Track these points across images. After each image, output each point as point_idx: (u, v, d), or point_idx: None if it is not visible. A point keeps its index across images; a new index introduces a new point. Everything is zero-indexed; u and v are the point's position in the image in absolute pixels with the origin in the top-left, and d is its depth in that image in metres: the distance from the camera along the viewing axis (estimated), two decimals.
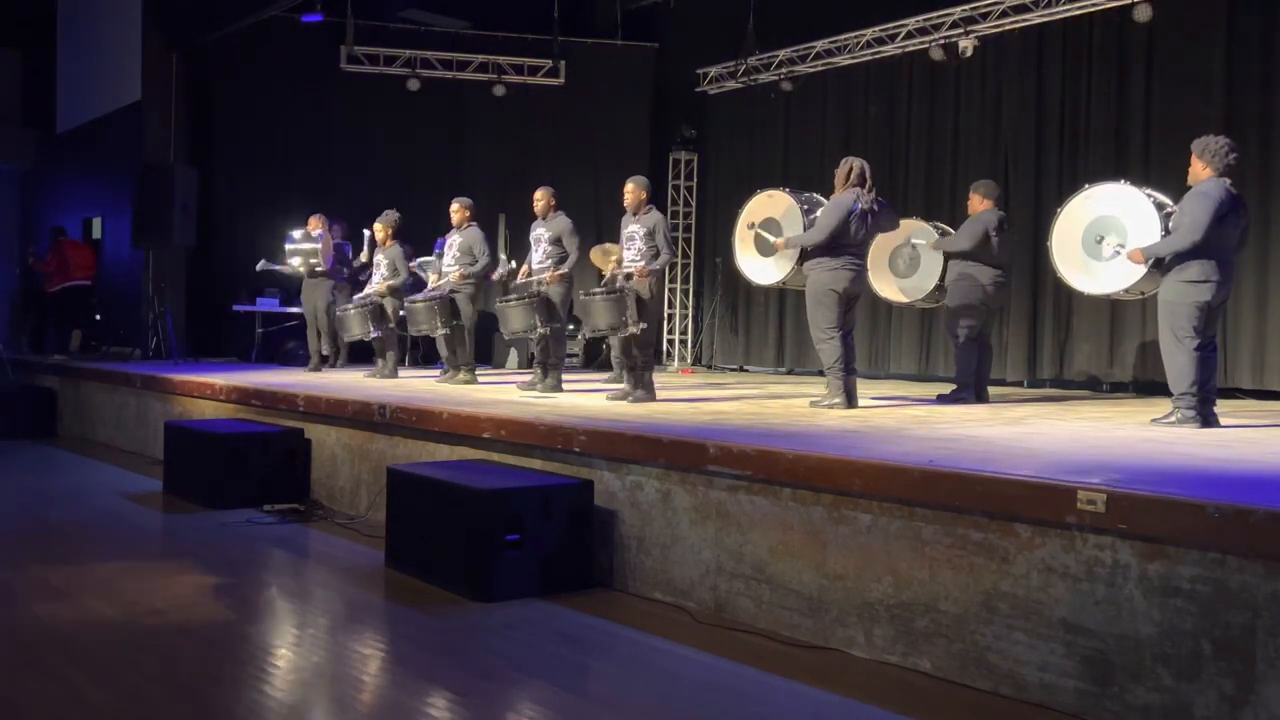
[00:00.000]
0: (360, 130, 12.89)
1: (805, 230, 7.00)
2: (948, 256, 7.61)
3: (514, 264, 8.71)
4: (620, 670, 4.09)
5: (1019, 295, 9.58)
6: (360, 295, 9.66)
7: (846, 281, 6.66)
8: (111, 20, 14.21)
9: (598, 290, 7.11)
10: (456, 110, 13.25)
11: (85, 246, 14.43)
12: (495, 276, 9.06)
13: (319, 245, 10.22)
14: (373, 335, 9.34)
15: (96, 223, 15.38)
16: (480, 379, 9.06)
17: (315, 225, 10.44)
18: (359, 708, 3.59)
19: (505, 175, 12.79)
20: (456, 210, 8.84)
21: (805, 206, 7.24)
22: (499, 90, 13.05)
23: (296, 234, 10.34)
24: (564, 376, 8.25)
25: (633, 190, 7.28)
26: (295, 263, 10.27)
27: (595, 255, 10.60)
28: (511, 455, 5.77)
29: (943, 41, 10.47)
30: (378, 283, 9.51)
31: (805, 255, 6.89)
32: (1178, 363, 5.80)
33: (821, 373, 7.13)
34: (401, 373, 9.79)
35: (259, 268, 10.65)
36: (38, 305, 14.19)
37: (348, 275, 10.61)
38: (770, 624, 4.41)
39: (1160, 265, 5.91)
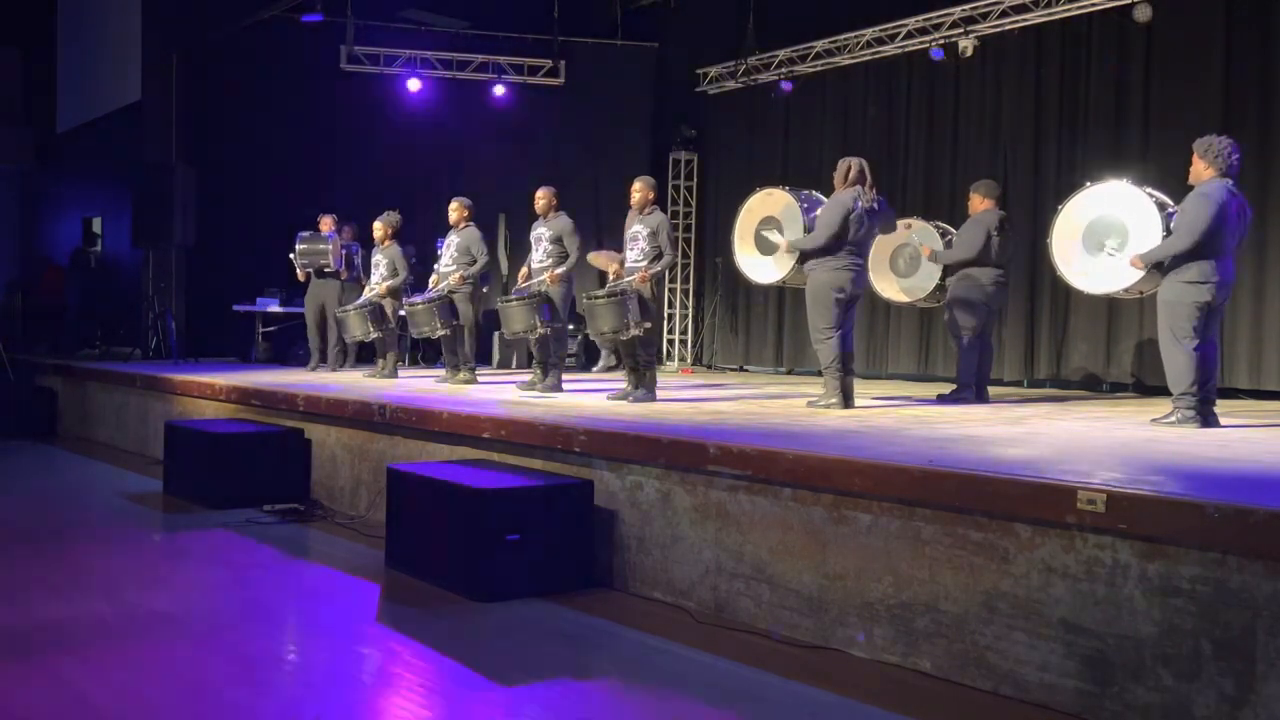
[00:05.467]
0: (360, 130, 12.88)
1: (805, 233, 7.00)
2: (950, 267, 7.59)
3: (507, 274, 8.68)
4: (620, 670, 4.09)
5: (1017, 294, 9.57)
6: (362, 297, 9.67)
7: (847, 282, 6.66)
8: (111, 20, 14.22)
9: (600, 293, 7.11)
10: (456, 110, 13.25)
11: (54, 269, 15.61)
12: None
13: (329, 245, 10.21)
14: (372, 336, 9.34)
15: (96, 223, 15.39)
16: (480, 379, 9.06)
17: (326, 225, 10.43)
18: (359, 708, 3.59)
19: (505, 175, 12.78)
20: (455, 209, 8.85)
21: (804, 205, 7.24)
22: (499, 90, 13.05)
23: (305, 234, 10.33)
24: (564, 376, 8.25)
25: (640, 189, 7.29)
26: (303, 264, 10.24)
27: (594, 259, 10.58)
28: (511, 455, 5.77)
29: (943, 41, 10.47)
30: (377, 283, 9.52)
31: (806, 254, 6.88)
32: (1178, 363, 5.80)
33: (820, 373, 7.13)
34: (402, 373, 9.79)
35: (291, 255, 10.43)
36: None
37: (355, 276, 10.59)
38: (770, 624, 4.41)
39: (1160, 266, 5.91)
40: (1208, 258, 5.69)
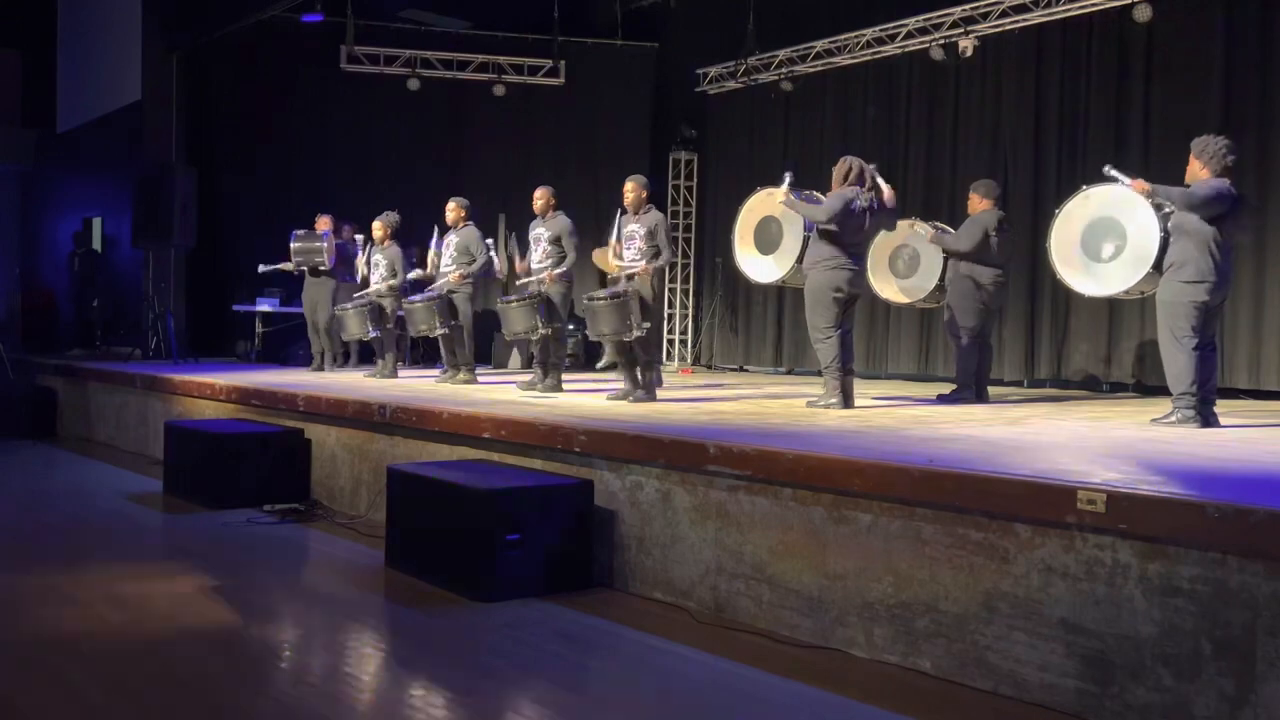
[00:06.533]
0: (360, 130, 12.88)
1: (805, 232, 7.00)
2: (946, 254, 7.61)
3: (513, 256, 8.73)
4: (620, 670, 4.09)
5: (1017, 295, 9.58)
6: (359, 295, 9.67)
7: (845, 282, 6.66)
8: (111, 20, 14.21)
9: (601, 295, 7.11)
10: (456, 110, 13.25)
11: (43, 293, 15.99)
12: (499, 273, 9.06)
13: (324, 244, 10.22)
14: (371, 335, 9.35)
15: (96, 223, 15.39)
16: (480, 379, 9.06)
17: (323, 224, 10.45)
18: (359, 708, 3.59)
19: (505, 175, 12.79)
20: (452, 210, 8.85)
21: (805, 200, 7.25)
22: (499, 90, 13.05)
23: (300, 232, 10.34)
24: (564, 376, 8.25)
25: (633, 189, 7.28)
26: (297, 261, 10.27)
27: (598, 257, 10.58)
28: (511, 455, 5.77)
29: (943, 41, 10.47)
30: (377, 283, 9.52)
31: (806, 254, 6.88)
32: (1177, 363, 5.80)
33: (820, 373, 7.13)
34: (401, 373, 9.79)
35: (261, 270, 10.61)
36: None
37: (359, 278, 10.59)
38: (770, 624, 4.41)
39: (1159, 266, 5.91)
40: (1207, 258, 5.70)
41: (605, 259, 9.56)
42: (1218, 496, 3.31)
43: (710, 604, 4.66)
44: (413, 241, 10.26)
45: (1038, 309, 9.85)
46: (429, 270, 9.04)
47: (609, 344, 7.28)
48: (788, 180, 7.09)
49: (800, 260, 6.94)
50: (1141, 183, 6.03)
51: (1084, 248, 6.52)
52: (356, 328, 9.38)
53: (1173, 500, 3.34)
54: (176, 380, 8.97)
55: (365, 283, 9.85)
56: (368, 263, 9.96)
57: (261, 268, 10.50)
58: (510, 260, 9.18)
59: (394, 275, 9.46)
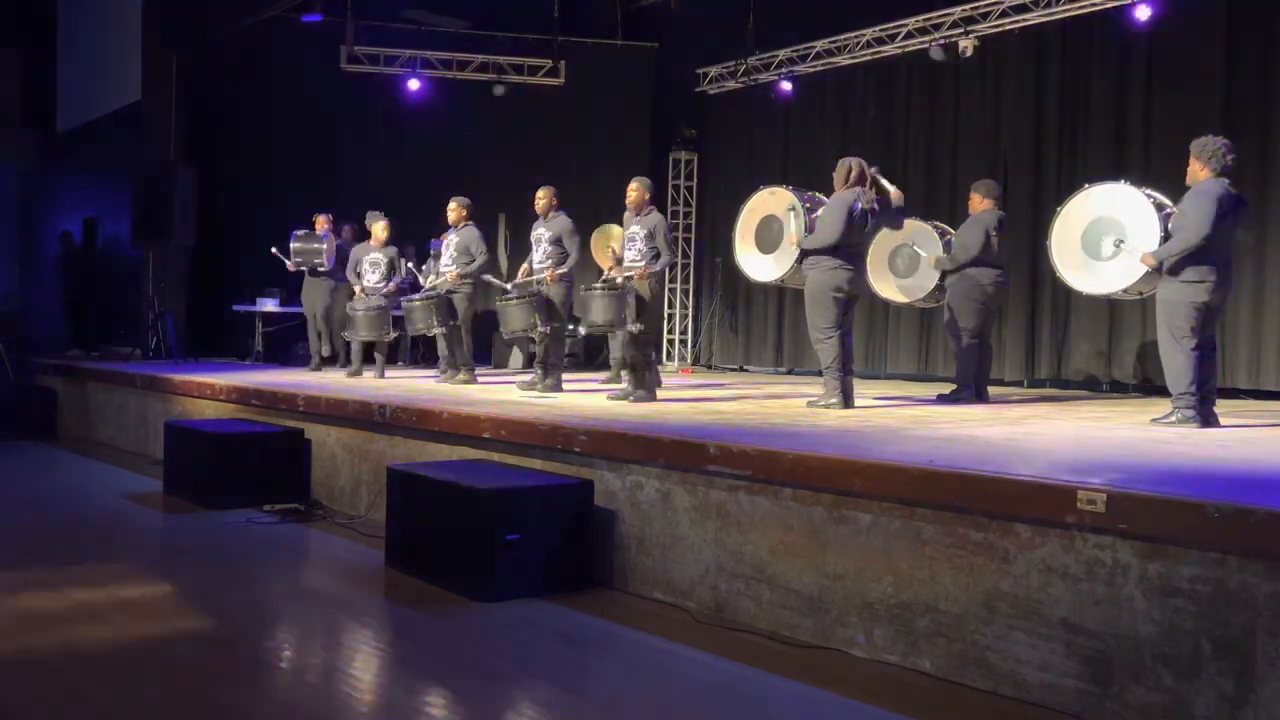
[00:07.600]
0: (360, 130, 12.89)
1: (807, 233, 6.99)
2: (956, 272, 7.56)
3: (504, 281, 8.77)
4: (620, 670, 4.09)
5: (1017, 295, 9.59)
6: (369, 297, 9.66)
7: (845, 281, 6.65)
8: (111, 20, 14.21)
9: (598, 285, 7.12)
10: (456, 110, 13.25)
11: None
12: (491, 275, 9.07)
13: (323, 245, 10.21)
14: (391, 336, 9.33)
15: (94, 223, 15.39)
16: (480, 379, 9.06)
17: (321, 225, 10.44)
18: (359, 708, 3.58)
19: (505, 175, 12.78)
20: (453, 209, 8.85)
21: (807, 205, 7.25)
22: (499, 90, 13.05)
23: (300, 232, 10.34)
24: (564, 376, 8.25)
25: (636, 189, 7.29)
26: (297, 261, 10.26)
27: (597, 242, 10.49)
28: (511, 455, 5.77)
29: (943, 41, 10.47)
30: (376, 282, 9.51)
31: (806, 252, 6.87)
32: (1177, 363, 5.80)
33: (820, 373, 7.13)
34: (402, 373, 9.78)
35: (274, 250, 10.53)
36: None
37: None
38: (770, 624, 4.41)
39: (1159, 266, 5.91)
40: (1206, 257, 5.70)
41: (602, 244, 9.53)
42: (1218, 496, 3.31)
43: (710, 604, 4.66)
44: (410, 241, 10.25)
45: (1038, 309, 9.85)
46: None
47: (609, 335, 7.30)
48: (794, 222, 7.05)
49: (801, 260, 6.93)
50: (1148, 256, 6.00)
51: (1085, 246, 6.52)
52: (368, 330, 9.31)
53: (1173, 500, 3.34)
54: (176, 380, 8.97)
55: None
56: (343, 261, 9.96)
57: (274, 250, 10.42)
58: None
59: (393, 274, 9.46)
